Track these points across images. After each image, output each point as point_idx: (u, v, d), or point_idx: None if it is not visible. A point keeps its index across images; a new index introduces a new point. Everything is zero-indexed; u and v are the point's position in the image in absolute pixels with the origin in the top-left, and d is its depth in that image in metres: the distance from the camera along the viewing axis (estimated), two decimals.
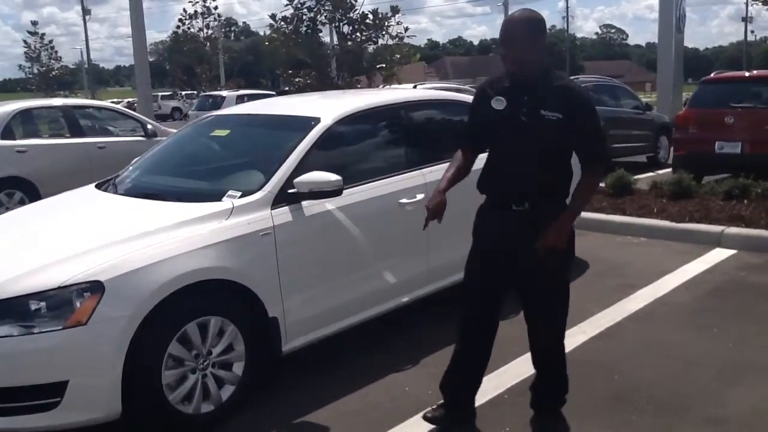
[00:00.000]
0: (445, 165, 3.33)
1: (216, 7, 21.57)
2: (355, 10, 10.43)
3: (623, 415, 3.39)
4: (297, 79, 11.16)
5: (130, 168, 4.62)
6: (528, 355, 3.38)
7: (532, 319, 3.22)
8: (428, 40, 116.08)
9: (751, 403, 3.46)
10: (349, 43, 10.55)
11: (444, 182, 3.18)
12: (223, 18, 21.13)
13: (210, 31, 21.48)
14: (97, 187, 4.37)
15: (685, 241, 6.49)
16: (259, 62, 71.48)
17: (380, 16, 10.45)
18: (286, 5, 10.50)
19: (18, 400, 2.98)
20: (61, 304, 3.02)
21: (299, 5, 10.57)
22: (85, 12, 54.40)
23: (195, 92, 22.20)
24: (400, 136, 4.55)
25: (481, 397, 3.46)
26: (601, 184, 8.34)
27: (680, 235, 6.58)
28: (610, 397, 3.57)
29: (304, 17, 10.61)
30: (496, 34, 3.13)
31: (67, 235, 3.62)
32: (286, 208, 3.74)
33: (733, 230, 6.38)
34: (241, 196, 3.71)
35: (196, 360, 3.37)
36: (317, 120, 4.15)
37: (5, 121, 8.67)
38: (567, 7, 74.05)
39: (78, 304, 3.02)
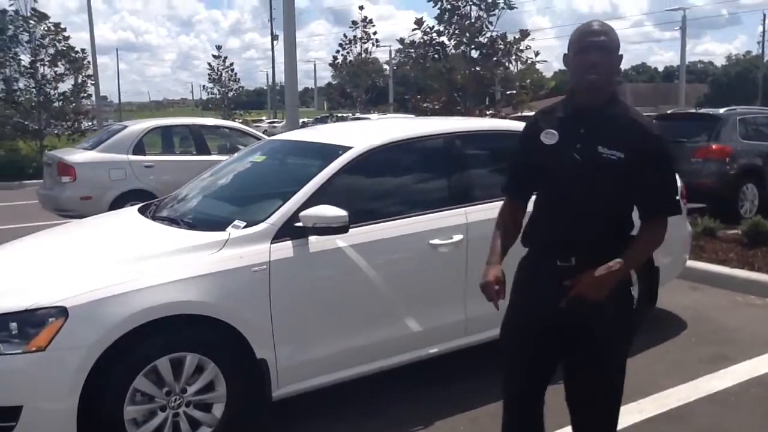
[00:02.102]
0: (496, 205, 2.81)
1: (375, 32, 22.09)
2: (484, 34, 10.01)
3: None
4: (425, 105, 10.92)
5: (178, 191, 4.61)
6: None
7: (574, 410, 2.58)
8: None
9: None
10: (478, 68, 10.12)
11: (493, 254, 2.63)
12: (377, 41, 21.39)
13: (367, 55, 22.01)
14: (140, 209, 4.36)
15: None
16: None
17: (510, 40, 9.94)
18: (414, 29, 10.34)
19: None
20: (25, 328, 2.97)
21: (428, 29, 10.35)
22: (274, 37, 58.35)
23: (350, 114, 22.77)
24: (444, 170, 4.12)
25: None
26: (736, 231, 7.29)
27: None
28: None
29: (434, 42, 10.37)
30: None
31: (62, 258, 3.61)
32: (289, 242, 3.47)
33: None
34: (245, 227, 3.50)
35: (167, 397, 3.19)
36: (346, 149, 3.86)
37: (138, 137, 9.27)
38: (764, 31, 67.28)
39: (40, 330, 2.95)
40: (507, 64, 10.19)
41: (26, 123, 17.98)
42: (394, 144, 4.01)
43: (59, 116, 18.11)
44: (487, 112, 10.54)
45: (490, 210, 3.73)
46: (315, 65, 53.38)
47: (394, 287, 3.75)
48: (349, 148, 3.86)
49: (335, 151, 3.86)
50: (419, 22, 10.34)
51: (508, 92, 10.42)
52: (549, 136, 2.47)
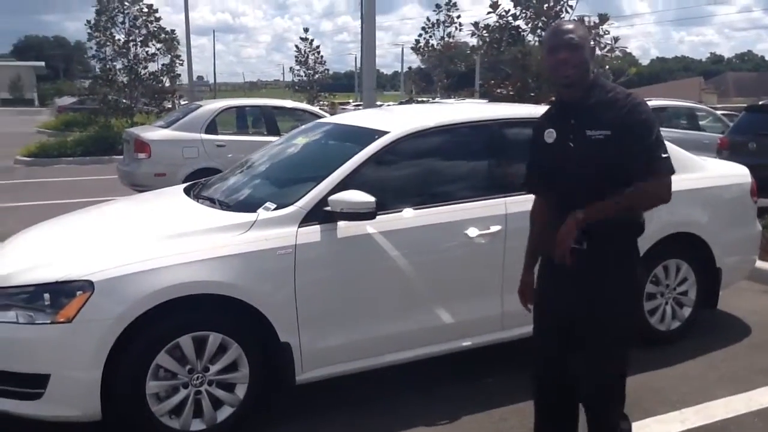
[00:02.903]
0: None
1: (459, 16, 21.72)
2: (561, 17, 9.63)
3: None
4: (498, 91, 10.64)
5: (225, 171, 4.67)
6: None
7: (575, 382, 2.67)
8: (711, 53, 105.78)
9: None
10: None
11: (527, 257, 2.96)
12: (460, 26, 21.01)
13: (450, 39, 21.68)
14: (186, 188, 4.43)
15: None
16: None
17: (588, 24, 9.52)
18: (489, 13, 10.06)
19: (7, 384, 3.10)
20: (54, 300, 3.07)
21: (503, 13, 10.06)
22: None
23: (429, 99, 22.55)
24: (484, 158, 3.98)
25: None
26: None
27: None
28: None
29: (509, 25, 10.07)
30: None
31: (98, 233, 3.72)
32: (317, 227, 3.45)
33: None
34: (275, 209, 3.50)
35: (189, 374, 3.24)
36: (382, 133, 3.79)
37: (211, 117, 9.50)
38: None
39: (68, 301, 3.05)
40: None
41: (118, 100, 18.78)
42: (433, 129, 3.90)
43: (148, 94, 18.82)
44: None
45: (530, 201, 3.61)
46: (402, 49, 52.78)
47: (425, 277, 3.67)
48: (386, 132, 3.79)
49: (372, 135, 3.80)
50: (494, 5, 10.04)
51: None
52: (549, 135, 2.67)
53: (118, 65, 18.75)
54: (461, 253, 3.76)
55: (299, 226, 3.42)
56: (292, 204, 3.49)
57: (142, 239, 3.41)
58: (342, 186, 3.50)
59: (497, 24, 10.15)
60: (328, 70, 32.05)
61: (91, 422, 3.15)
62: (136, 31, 18.40)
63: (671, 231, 4.37)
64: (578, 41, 2.54)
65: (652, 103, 12.42)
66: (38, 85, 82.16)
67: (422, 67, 28.01)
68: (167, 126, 9.70)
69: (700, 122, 13.53)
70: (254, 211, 3.52)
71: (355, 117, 4.63)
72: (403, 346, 3.68)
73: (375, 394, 3.80)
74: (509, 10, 10.03)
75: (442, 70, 22.18)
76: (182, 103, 19.20)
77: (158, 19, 18.48)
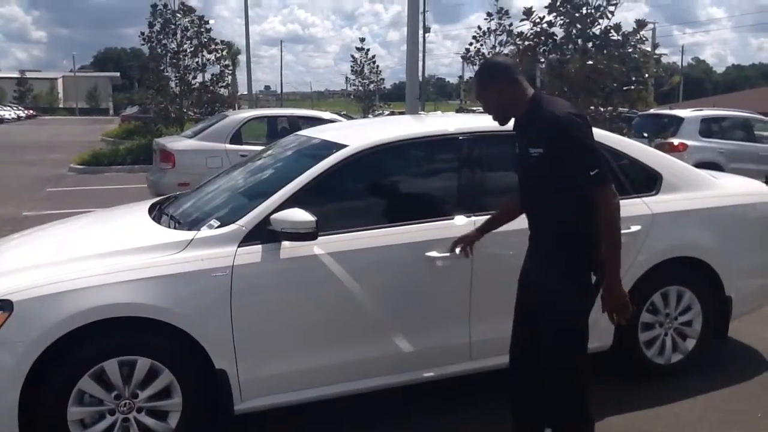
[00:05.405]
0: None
1: (510, 24, 21.20)
2: (597, 25, 9.19)
3: None
4: None
5: (201, 184, 4.53)
6: None
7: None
8: None
9: None
10: (590, 62, 9.32)
11: (486, 223, 3.36)
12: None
13: (501, 48, 21.21)
14: (153, 204, 4.28)
15: None
16: None
17: (625, 31, 9.06)
18: (523, 20, 9.72)
19: None
20: None
21: (538, 19, 9.69)
22: (425, 30, 58.74)
23: (480, 108, 22.18)
24: (454, 174, 3.68)
25: None
26: None
27: None
28: None
29: (544, 32, 9.69)
30: None
31: (39, 250, 3.62)
32: (259, 247, 3.24)
33: None
34: (218, 227, 3.32)
35: (116, 401, 3.08)
36: (340, 147, 3.56)
37: (236, 127, 9.48)
38: None
39: None
40: (623, 57, 9.28)
41: (170, 109, 19.15)
42: (395, 143, 3.64)
43: (198, 104, 19.13)
44: (601, 109, 9.73)
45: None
46: (462, 59, 52.48)
47: (382, 303, 3.41)
48: (343, 146, 3.56)
49: (328, 149, 3.58)
50: (528, 12, 9.70)
51: (624, 87, 9.50)
52: (517, 148, 2.87)
53: (170, 75, 19.13)
54: (421, 277, 3.48)
55: (239, 246, 3.23)
56: (234, 222, 3.30)
57: (76, 257, 3.27)
58: (291, 203, 3.29)
59: (532, 31, 9.80)
60: (383, 79, 32.12)
61: None
62: (188, 42, 18.75)
63: (670, 255, 3.97)
64: (484, 81, 2.80)
65: (705, 113, 11.75)
66: (113, 95, 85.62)
67: None
68: (193, 136, 9.73)
69: (760, 133, 12.72)
70: (198, 229, 3.35)
71: (325, 130, 4.41)
72: (355, 376, 3.43)
73: (328, 421, 3.57)
74: (544, 17, 9.67)
75: None
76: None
77: (209, 30, 18.79)
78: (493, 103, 2.79)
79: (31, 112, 70.36)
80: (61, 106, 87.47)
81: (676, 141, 10.61)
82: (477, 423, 3.59)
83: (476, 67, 2.92)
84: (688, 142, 10.73)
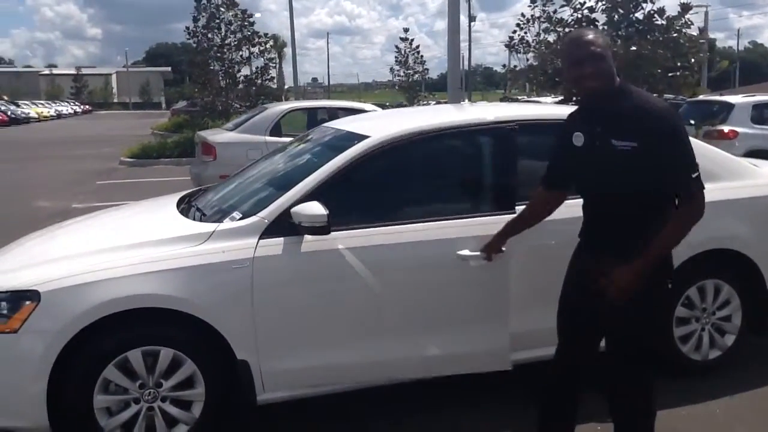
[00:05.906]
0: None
1: (555, 11, 20.73)
2: (641, 9, 8.94)
3: None
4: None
5: (231, 176, 4.56)
6: None
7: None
8: None
9: None
10: (633, 48, 9.07)
11: (508, 226, 3.15)
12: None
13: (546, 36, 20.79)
14: (183, 197, 4.32)
15: None
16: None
17: (669, 15, 8.78)
18: (563, 6, 9.51)
19: None
20: (5, 309, 3.05)
21: (579, 5, 9.47)
22: (471, 19, 58.02)
23: (524, 97, 21.82)
24: (486, 168, 3.61)
25: None
26: None
27: None
28: None
29: (584, 18, 9.47)
30: None
31: (70, 242, 3.67)
32: (281, 239, 3.24)
33: None
34: (240, 219, 3.34)
35: (140, 390, 3.14)
36: (362, 138, 3.53)
37: (276, 119, 9.55)
38: None
39: (16, 311, 3.02)
40: (667, 42, 9.00)
41: (217, 102, 19.43)
42: (419, 135, 3.55)
43: (244, 97, 19.36)
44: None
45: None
46: (509, 47, 51.71)
47: (412, 302, 3.35)
48: (365, 137, 3.53)
49: (350, 141, 3.56)
50: None
51: (669, 74, 9.22)
52: (577, 139, 2.66)
53: (216, 68, 19.40)
54: (454, 276, 3.36)
55: (260, 238, 3.23)
56: (256, 214, 3.31)
57: (102, 249, 3.33)
58: (312, 196, 3.27)
59: (572, 18, 9.59)
60: (428, 69, 31.91)
61: None
62: (232, 36, 18.97)
63: (706, 247, 3.82)
64: (601, 51, 2.52)
65: (757, 98, 11.32)
66: (165, 89, 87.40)
67: (534, 64, 27.31)
68: (234, 129, 9.84)
69: None
70: (221, 221, 3.38)
71: (353, 121, 4.38)
72: (387, 371, 3.39)
73: (341, 410, 3.57)
74: (585, 2, 9.45)
75: (538, 67, 21.39)
76: None
77: (252, 24, 18.97)
78: (604, 74, 2.52)
79: (87, 107, 72.40)
80: (115, 101, 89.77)
81: (726, 128, 10.26)
82: (477, 423, 3.53)
83: (584, 35, 2.60)
84: (739, 129, 10.36)
